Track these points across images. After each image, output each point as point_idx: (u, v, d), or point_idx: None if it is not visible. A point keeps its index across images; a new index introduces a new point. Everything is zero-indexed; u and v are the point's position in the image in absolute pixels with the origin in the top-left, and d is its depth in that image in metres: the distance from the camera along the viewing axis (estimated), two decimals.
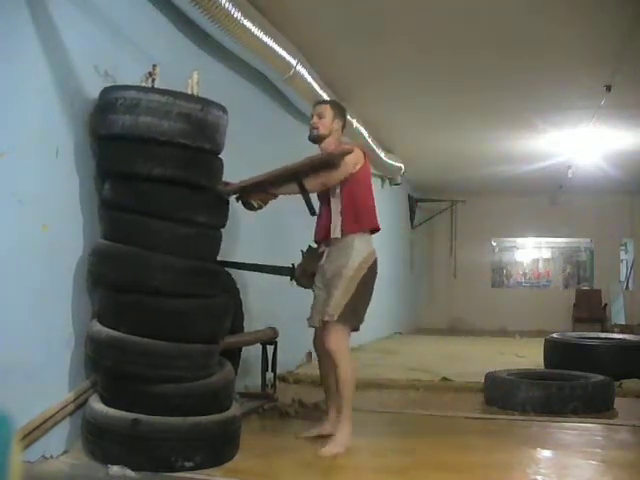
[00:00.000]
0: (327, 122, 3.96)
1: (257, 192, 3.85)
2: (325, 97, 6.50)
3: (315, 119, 3.97)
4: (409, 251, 13.26)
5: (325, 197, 3.95)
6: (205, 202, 3.46)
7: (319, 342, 3.96)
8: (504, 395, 5.03)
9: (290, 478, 3.35)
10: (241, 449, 3.49)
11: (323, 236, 3.94)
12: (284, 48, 5.27)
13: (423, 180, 13.36)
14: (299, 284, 4.16)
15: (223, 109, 3.51)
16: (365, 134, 8.28)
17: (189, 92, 3.53)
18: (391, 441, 4.02)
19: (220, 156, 3.58)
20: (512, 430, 4.37)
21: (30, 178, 3.14)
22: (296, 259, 4.16)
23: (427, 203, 14.76)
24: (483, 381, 5.35)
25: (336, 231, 3.85)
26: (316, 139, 3.98)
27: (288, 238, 6.20)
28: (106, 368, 3.30)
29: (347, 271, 3.76)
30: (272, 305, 5.89)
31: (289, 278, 4.19)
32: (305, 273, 4.07)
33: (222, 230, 3.63)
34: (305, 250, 4.16)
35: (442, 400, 5.39)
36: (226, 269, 4.15)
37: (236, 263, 4.43)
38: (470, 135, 9.43)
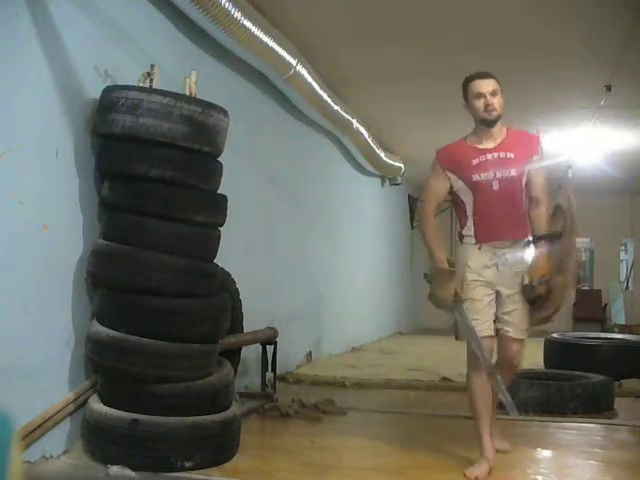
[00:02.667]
0: (501, 100, 3.40)
1: None
2: (325, 97, 6.51)
3: (490, 98, 3.38)
4: (409, 251, 13.24)
5: (514, 195, 3.51)
6: (203, 201, 3.46)
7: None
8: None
9: (290, 478, 3.34)
10: (241, 449, 3.49)
11: (507, 235, 3.46)
12: (284, 48, 5.27)
13: (423, 180, 13.19)
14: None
15: (224, 112, 3.49)
16: (365, 134, 8.28)
17: (187, 91, 3.53)
18: (391, 441, 4.02)
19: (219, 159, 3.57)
20: (512, 430, 4.36)
21: (30, 178, 3.14)
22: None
23: None
24: None
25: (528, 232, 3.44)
26: (496, 122, 3.42)
27: (283, 237, 6.21)
28: (105, 368, 3.30)
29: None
30: (272, 305, 5.89)
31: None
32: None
33: (220, 229, 3.63)
34: (429, 276, 3.52)
35: (442, 400, 5.39)
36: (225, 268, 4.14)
37: None
38: None
